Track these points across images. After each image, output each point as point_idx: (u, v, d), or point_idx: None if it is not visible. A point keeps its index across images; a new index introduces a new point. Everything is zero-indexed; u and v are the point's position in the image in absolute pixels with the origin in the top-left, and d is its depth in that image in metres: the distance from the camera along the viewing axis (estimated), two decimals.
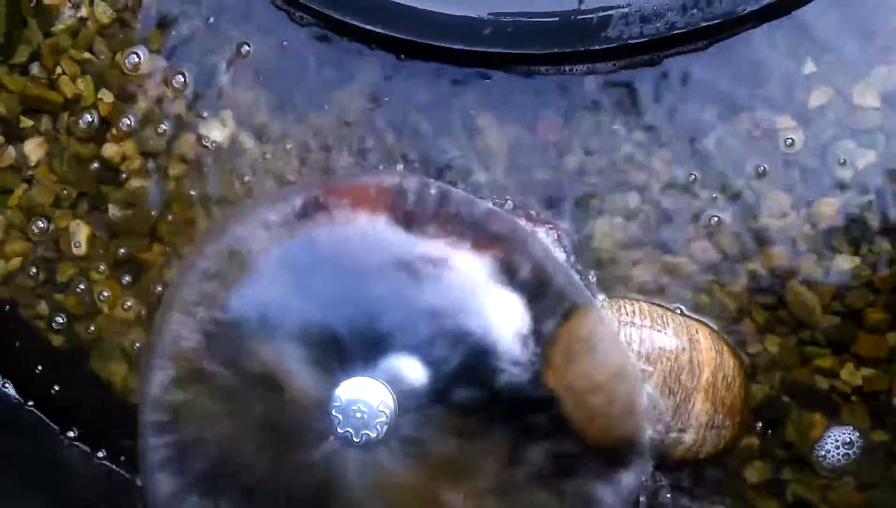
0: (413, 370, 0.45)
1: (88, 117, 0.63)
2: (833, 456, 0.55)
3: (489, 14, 0.57)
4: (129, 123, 0.62)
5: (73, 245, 0.63)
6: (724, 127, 0.57)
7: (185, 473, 0.49)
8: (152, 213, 0.62)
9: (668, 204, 0.58)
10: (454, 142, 0.59)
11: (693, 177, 0.58)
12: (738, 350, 0.56)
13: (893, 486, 0.56)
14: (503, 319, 0.49)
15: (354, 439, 0.43)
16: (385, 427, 0.43)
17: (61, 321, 0.63)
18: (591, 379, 0.51)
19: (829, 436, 0.56)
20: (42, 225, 0.63)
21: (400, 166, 0.59)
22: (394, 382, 0.44)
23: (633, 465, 0.52)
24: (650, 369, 0.53)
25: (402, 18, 0.58)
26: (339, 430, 0.43)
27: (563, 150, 0.59)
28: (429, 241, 0.49)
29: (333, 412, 0.43)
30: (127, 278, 0.62)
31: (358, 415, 0.43)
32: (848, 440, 0.55)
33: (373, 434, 0.43)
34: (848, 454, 0.55)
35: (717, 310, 0.57)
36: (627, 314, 0.55)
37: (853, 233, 0.56)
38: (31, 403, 0.63)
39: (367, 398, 0.43)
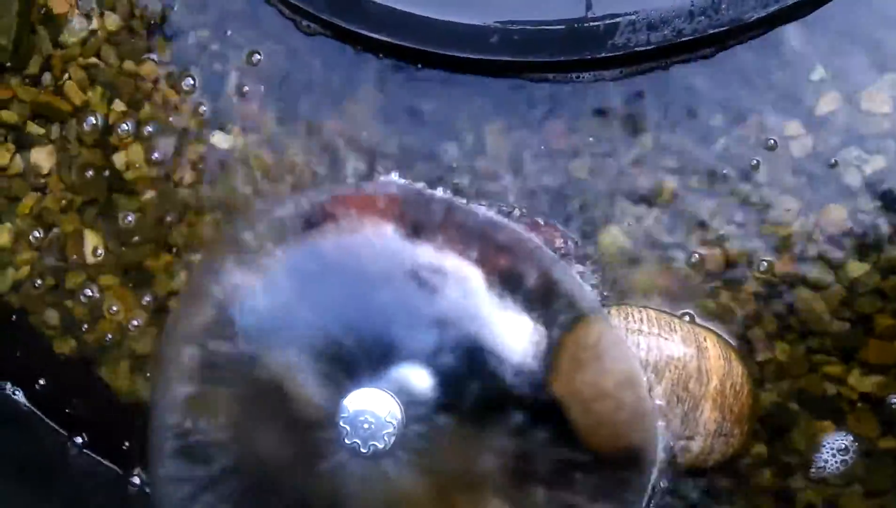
0: (420, 380, 0.45)
1: (97, 125, 0.63)
2: (831, 465, 0.55)
3: (496, 22, 0.57)
4: (137, 130, 0.63)
5: (81, 253, 0.63)
6: (732, 133, 0.57)
7: (193, 481, 0.49)
8: (160, 221, 0.62)
9: (676, 211, 0.58)
10: (461, 150, 0.59)
11: (700, 184, 0.58)
12: (746, 358, 0.56)
13: None
14: (510, 328, 0.49)
15: (362, 450, 0.43)
16: (392, 438, 0.43)
17: (69, 328, 0.63)
18: (598, 387, 0.51)
19: (825, 445, 0.55)
20: (51, 233, 0.64)
21: (407, 175, 0.59)
22: (401, 392, 0.44)
23: (641, 473, 0.52)
24: (658, 377, 0.53)
25: (409, 27, 0.58)
26: (347, 441, 0.43)
27: (570, 157, 0.59)
28: (436, 250, 0.49)
29: (341, 423, 0.43)
30: (135, 286, 0.63)
31: (365, 426, 0.43)
32: (843, 446, 0.55)
33: (380, 445, 0.43)
34: (846, 460, 0.55)
35: (725, 317, 0.57)
36: (635, 322, 0.55)
37: (862, 239, 0.56)
38: (39, 409, 0.64)
39: (374, 408, 0.43)
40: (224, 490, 0.48)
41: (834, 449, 0.55)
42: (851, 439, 0.55)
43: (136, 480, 0.61)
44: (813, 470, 0.56)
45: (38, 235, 0.64)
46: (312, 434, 0.45)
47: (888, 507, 0.56)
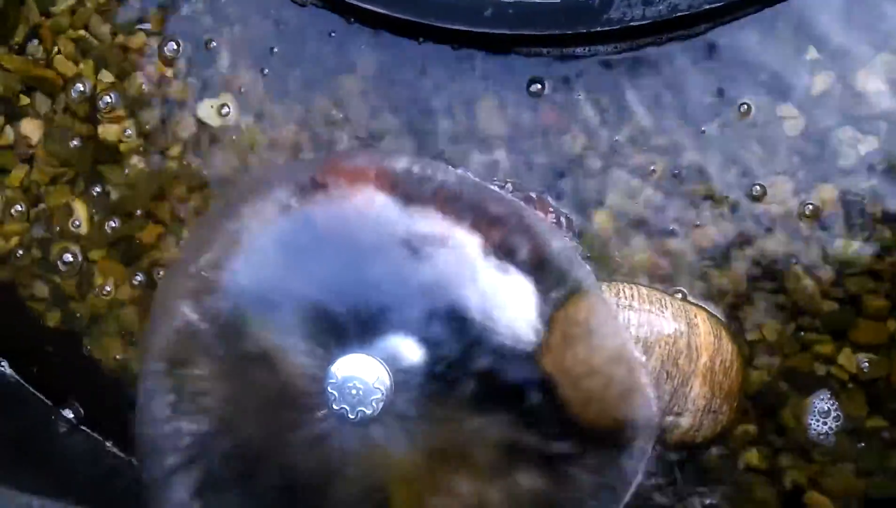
0: (409, 349, 0.45)
1: (86, 97, 0.62)
2: (824, 433, 0.55)
3: None
4: (127, 102, 0.62)
5: (70, 225, 0.63)
6: (725, 112, 0.57)
7: (181, 451, 0.49)
8: (149, 193, 0.62)
9: (669, 188, 0.58)
10: (454, 123, 0.59)
11: (694, 161, 0.57)
12: (736, 335, 0.56)
13: (890, 473, 0.56)
14: (501, 300, 0.49)
15: (350, 416, 0.43)
16: (381, 404, 0.43)
17: (57, 300, 0.63)
18: (589, 363, 0.51)
19: (812, 413, 0.55)
20: (39, 205, 0.63)
21: (399, 146, 0.59)
22: (390, 359, 0.44)
23: (630, 449, 0.51)
24: (648, 353, 0.53)
25: None
26: (335, 407, 0.43)
27: (563, 133, 0.58)
28: (427, 221, 0.49)
29: (329, 389, 0.43)
30: (123, 258, 0.62)
31: (353, 392, 0.43)
32: (825, 409, 0.55)
33: (368, 411, 0.43)
34: (834, 422, 0.55)
35: (716, 295, 0.57)
36: (626, 298, 0.55)
37: (854, 219, 0.56)
38: (27, 381, 0.63)
39: (362, 374, 0.43)
40: (211, 458, 0.48)
41: (817, 413, 0.55)
42: (829, 396, 0.55)
43: (123, 451, 0.61)
44: (805, 449, 0.56)
45: (25, 207, 0.63)
46: (300, 401, 0.45)
47: (875, 487, 0.56)
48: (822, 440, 0.55)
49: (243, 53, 0.61)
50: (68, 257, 0.63)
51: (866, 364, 0.55)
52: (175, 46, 0.62)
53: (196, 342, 0.49)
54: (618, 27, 0.56)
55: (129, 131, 0.62)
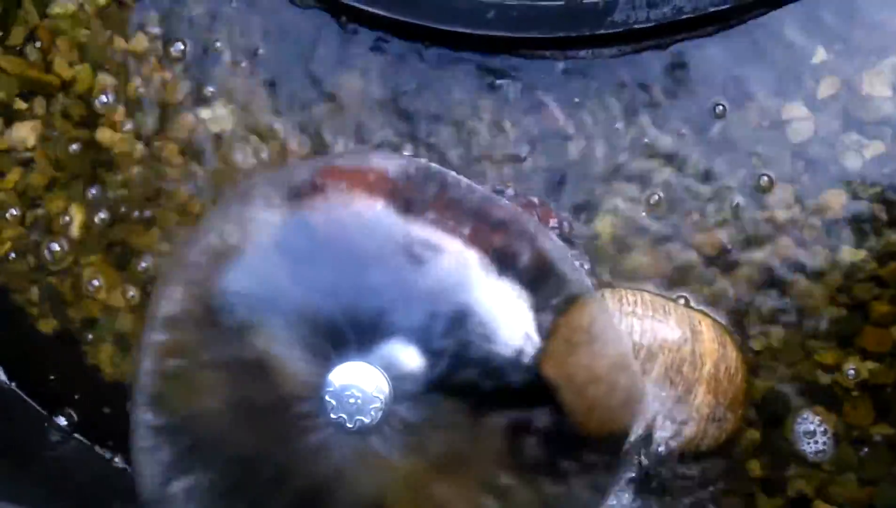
0: (409, 357, 0.44)
1: (84, 100, 0.62)
2: (820, 451, 0.55)
3: None
4: (125, 105, 0.62)
5: (66, 229, 0.62)
6: (730, 116, 0.57)
7: (176, 459, 0.48)
8: (146, 197, 0.61)
9: (672, 193, 0.57)
10: (455, 127, 0.58)
11: (698, 166, 0.57)
12: (741, 342, 0.56)
13: None
14: (502, 307, 0.48)
15: (348, 425, 0.42)
16: (380, 413, 0.42)
17: (52, 305, 0.62)
18: (591, 370, 0.51)
19: (800, 438, 0.55)
20: (35, 209, 0.63)
21: (399, 151, 0.58)
22: (389, 367, 0.43)
23: (634, 457, 0.51)
24: (651, 360, 0.52)
25: (404, 1, 0.57)
26: (333, 416, 0.42)
27: (565, 137, 0.58)
28: (428, 226, 0.48)
29: (327, 398, 0.42)
30: (120, 263, 0.62)
31: (352, 400, 0.42)
32: (811, 430, 0.54)
33: (367, 420, 0.42)
34: (823, 441, 0.54)
35: (720, 301, 0.56)
36: (629, 305, 0.54)
37: (860, 225, 0.56)
38: (21, 388, 0.63)
39: (361, 383, 0.42)
40: (205, 467, 0.47)
41: (802, 432, 0.55)
42: (817, 420, 0.55)
43: (118, 459, 0.60)
44: (810, 455, 0.55)
45: (20, 211, 0.63)
46: (297, 409, 0.44)
47: (881, 496, 0.55)
48: (821, 458, 0.55)
49: (243, 55, 0.61)
50: (63, 262, 0.62)
51: (852, 373, 0.54)
52: (174, 49, 0.61)
53: (191, 351, 0.48)
54: (622, 30, 0.55)
55: (126, 135, 0.62)
